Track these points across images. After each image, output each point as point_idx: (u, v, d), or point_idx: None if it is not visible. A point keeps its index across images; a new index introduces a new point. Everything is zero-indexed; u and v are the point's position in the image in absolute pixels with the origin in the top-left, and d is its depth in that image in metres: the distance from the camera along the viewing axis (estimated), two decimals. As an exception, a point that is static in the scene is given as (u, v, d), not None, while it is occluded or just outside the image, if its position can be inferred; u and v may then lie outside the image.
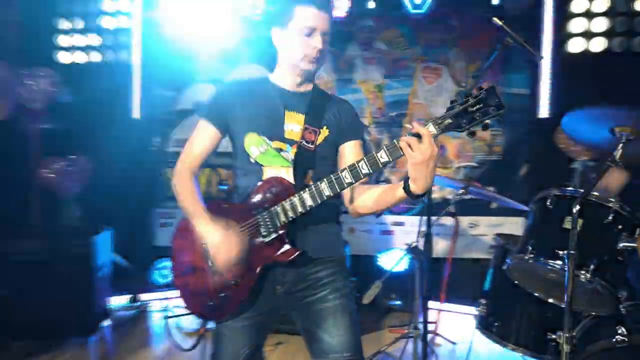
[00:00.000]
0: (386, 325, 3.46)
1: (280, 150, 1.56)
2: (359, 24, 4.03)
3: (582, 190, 1.84)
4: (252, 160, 1.56)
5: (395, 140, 1.34)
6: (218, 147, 1.68)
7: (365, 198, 1.54)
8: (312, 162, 1.56)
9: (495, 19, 2.00)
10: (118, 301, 3.65)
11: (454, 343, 3.13)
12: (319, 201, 1.43)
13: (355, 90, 4.11)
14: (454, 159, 4.01)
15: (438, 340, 3.15)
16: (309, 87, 1.65)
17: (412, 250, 2.60)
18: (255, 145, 1.56)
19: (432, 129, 1.30)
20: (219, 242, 1.47)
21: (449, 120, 1.29)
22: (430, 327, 2.97)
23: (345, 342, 1.48)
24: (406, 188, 1.37)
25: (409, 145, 1.29)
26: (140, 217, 4.17)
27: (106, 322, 3.20)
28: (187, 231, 1.56)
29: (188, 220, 1.57)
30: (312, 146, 1.56)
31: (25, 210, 3.57)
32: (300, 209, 1.45)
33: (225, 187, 3.69)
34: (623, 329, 1.63)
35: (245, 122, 1.58)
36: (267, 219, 1.48)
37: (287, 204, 1.46)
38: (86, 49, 4.16)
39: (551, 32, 3.35)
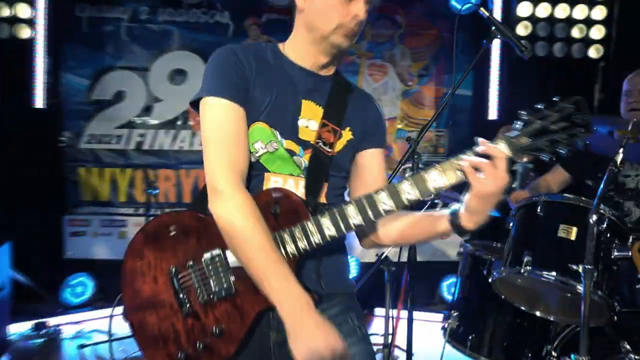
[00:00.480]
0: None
1: (292, 153, 1.17)
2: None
3: (571, 197, 1.76)
4: (253, 160, 1.15)
5: (453, 160, 1.02)
6: None
7: (391, 227, 1.21)
8: (328, 172, 1.19)
9: (483, 10, 1.86)
10: (20, 329, 3.02)
11: (411, 354, 3.00)
12: (344, 231, 1.06)
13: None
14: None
15: (397, 352, 3.00)
16: (331, 70, 1.24)
17: (382, 261, 2.40)
18: (262, 139, 1.14)
19: (505, 149, 1.00)
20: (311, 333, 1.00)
21: (527, 140, 0.99)
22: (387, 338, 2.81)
23: None
24: (454, 221, 1.08)
25: (477, 169, 0.99)
26: (47, 225, 3.54)
27: (4, 357, 2.66)
28: (149, 249, 1.16)
29: (150, 235, 1.16)
30: (330, 150, 1.18)
31: None
32: (316, 239, 1.06)
33: (156, 192, 3.23)
34: (627, 345, 1.56)
35: (255, 105, 1.14)
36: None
37: (297, 231, 1.07)
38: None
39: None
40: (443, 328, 2.29)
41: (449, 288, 3.70)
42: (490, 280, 1.88)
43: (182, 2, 3.69)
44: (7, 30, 3.40)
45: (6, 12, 3.39)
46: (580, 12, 3.37)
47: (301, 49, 1.20)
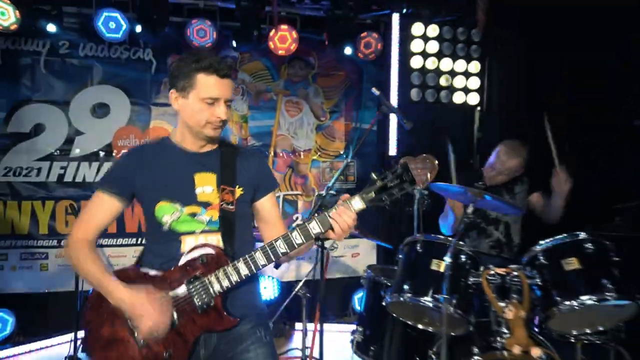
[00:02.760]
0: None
1: (194, 214, 1.56)
2: (223, 54, 4.05)
3: (442, 237, 2.28)
4: (166, 229, 1.55)
5: (326, 213, 1.46)
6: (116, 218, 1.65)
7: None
8: (234, 224, 1.59)
9: (374, 89, 2.32)
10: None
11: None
12: (255, 271, 1.49)
13: (220, 120, 4.11)
14: (315, 187, 4.33)
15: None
16: (214, 145, 1.66)
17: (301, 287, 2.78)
18: (167, 213, 1.56)
19: (358, 203, 1.45)
20: (141, 308, 1.43)
21: (372, 194, 1.44)
22: (305, 351, 3.18)
23: None
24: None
25: (338, 219, 1.44)
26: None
27: None
28: (101, 302, 1.48)
29: (98, 292, 1.49)
30: (232, 207, 1.58)
31: None
32: (235, 278, 1.47)
33: None
34: (476, 349, 2.08)
35: (154, 190, 1.56)
36: (200, 289, 1.48)
37: (220, 274, 1.47)
38: None
39: (396, 82, 3.89)
40: (351, 341, 2.73)
41: (359, 301, 4.19)
42: (383, 303, 2.34)
43: (103, 39, 3.79)
44: None
45: None
46: (460, 65, 4.05)
47: (184, 138, 1.62)
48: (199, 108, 1.52)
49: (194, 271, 1.49)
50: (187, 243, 1.54)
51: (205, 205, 1.57)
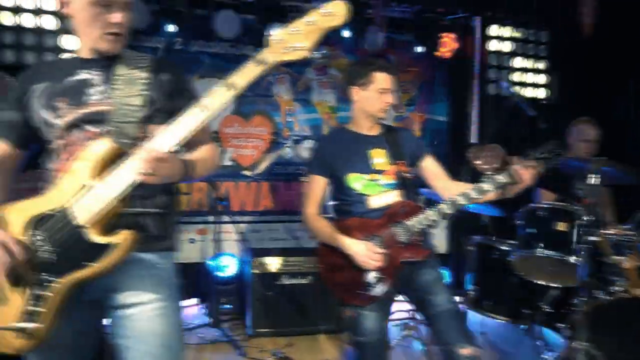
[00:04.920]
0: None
1: (374, 180, 2.10)
2: (320, 51, 4.50)
3: (560, 203, 2.74)
4: (357, 193, 2.10)
5: (509, 169, 1.92)
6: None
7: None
8: (405, 185, 2.13)
9: (504, 82, 2.78)
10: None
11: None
12: (441, 218, 2.00)
13: (312, 110, 4.57)
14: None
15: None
16: (380, 129, 2.21)
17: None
18: (356, 181, 2.10)
19: (528, 163, 1.93)
20: (361, 250, 1.99)
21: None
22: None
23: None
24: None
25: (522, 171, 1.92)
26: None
27: None
28: (329, 249, 2.11)
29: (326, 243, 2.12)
30: (401, 172, 2.12)
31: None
32: (425, 222, 2.01)
33: (226, 204, 3.77)
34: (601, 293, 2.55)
35: (344, 166, 2.12)
36: (404, 230, 2.02)
37: (419, 218, 2.01)
38: None
39: (477, 77, 4.36)
40: (464, 298, 3.19)
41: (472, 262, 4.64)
42: (508, 258, 2.80)
43: (212, 35, 4.22)
44: None
45: None
46: (530, 63, 4.54)
47: (360, 125, 2.21)
48: (375, 98, 2.12)
49: (398, 217, 2.04)
50: (372, 201, 2.09)
51: (381, 172, 2.11)
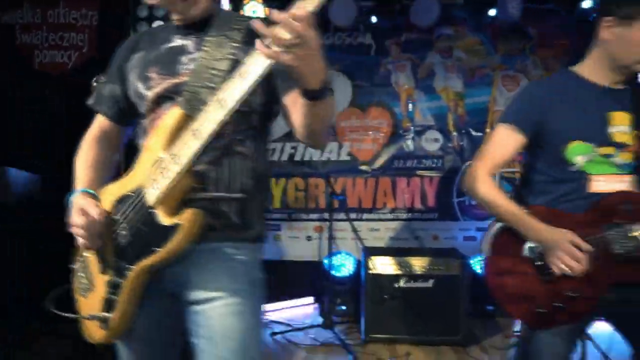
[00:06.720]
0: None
1: (608, 155, 1.44)
2: (439, 32, 4.07)
3: None
4: (574, 169, 1.46)
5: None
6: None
7: None
8: None
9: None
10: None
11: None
12: None
13: (435, 98, 4.14)
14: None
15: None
16: (625, 84, 1.50)
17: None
18: (581, 153, 1.44)
19: None
20: (563, 239, 1.38)
21: None
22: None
23: None
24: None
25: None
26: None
27: None
28: (504, 236, 1.51)
29: (506, 229, 1.50)
30: None
31: None
32: None
33: (343, 198, 3.63)
34: None
35: (566, 130, 1.46)
36: (621, 236, 1.38)
37: None
38: None
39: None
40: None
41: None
42: None
43: (329, 26, 4.08)
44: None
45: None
46: None
47: (597, 72, 1.49)
48: (638, 41, 1.38)
49: (615, 217, 1.40)
50: (596, 185, 1.44)
51: (621, 146, 1.44)
